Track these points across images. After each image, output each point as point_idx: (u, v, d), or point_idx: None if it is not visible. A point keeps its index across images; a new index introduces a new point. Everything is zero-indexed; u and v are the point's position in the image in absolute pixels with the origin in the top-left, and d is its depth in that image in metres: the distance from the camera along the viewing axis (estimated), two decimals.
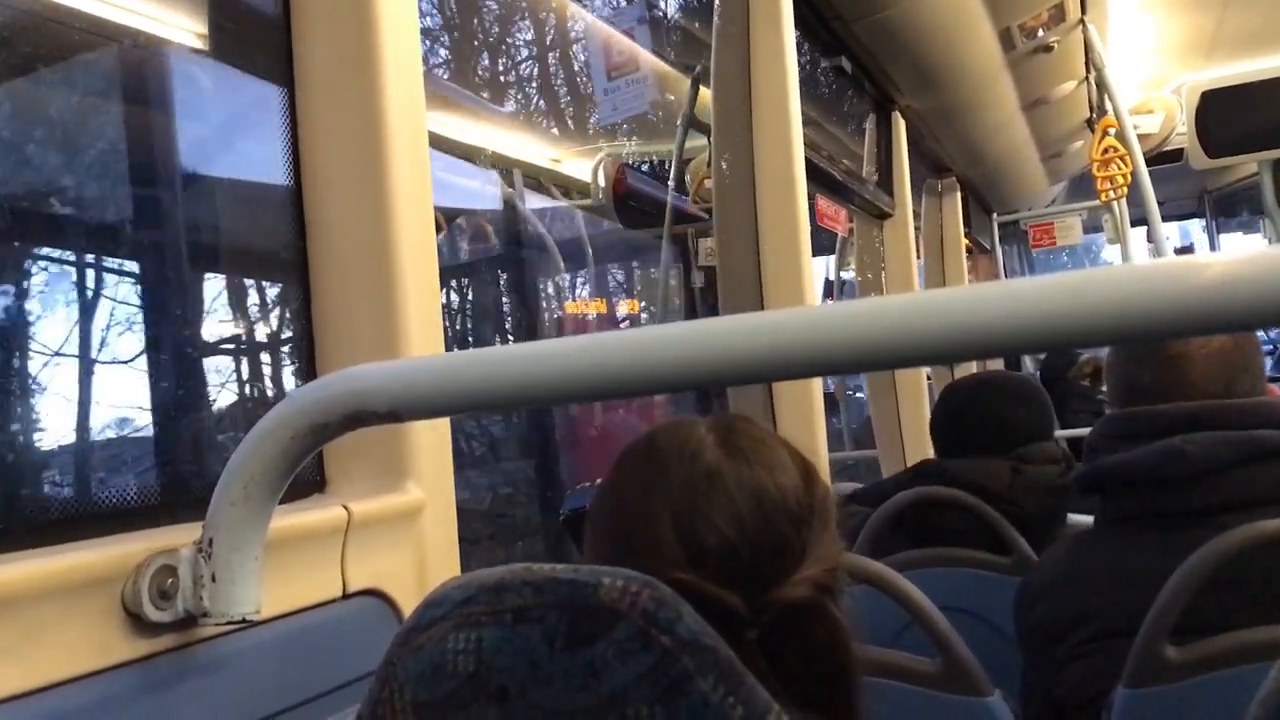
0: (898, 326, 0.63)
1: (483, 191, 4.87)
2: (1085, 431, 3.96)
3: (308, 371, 1.12)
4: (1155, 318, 0.59)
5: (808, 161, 2.55)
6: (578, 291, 6.20)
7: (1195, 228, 7.79)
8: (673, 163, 4.17)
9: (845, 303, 0.67)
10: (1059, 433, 4.13)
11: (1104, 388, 4.95)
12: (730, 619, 0.76)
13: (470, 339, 5.89)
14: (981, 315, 0.62)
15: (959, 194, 5.20)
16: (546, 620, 0.63)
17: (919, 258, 4.58)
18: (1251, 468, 1.30)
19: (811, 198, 3.64)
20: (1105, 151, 4.43)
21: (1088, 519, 2.45)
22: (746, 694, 0.61)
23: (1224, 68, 5.11)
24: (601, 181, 5.13)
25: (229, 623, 0.82)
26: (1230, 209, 7.26)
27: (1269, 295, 0.56)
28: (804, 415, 2.32)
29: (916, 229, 4.50)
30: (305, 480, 1.10)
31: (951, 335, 0.63)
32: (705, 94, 3.11)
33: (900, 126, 3.89)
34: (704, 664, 0.61)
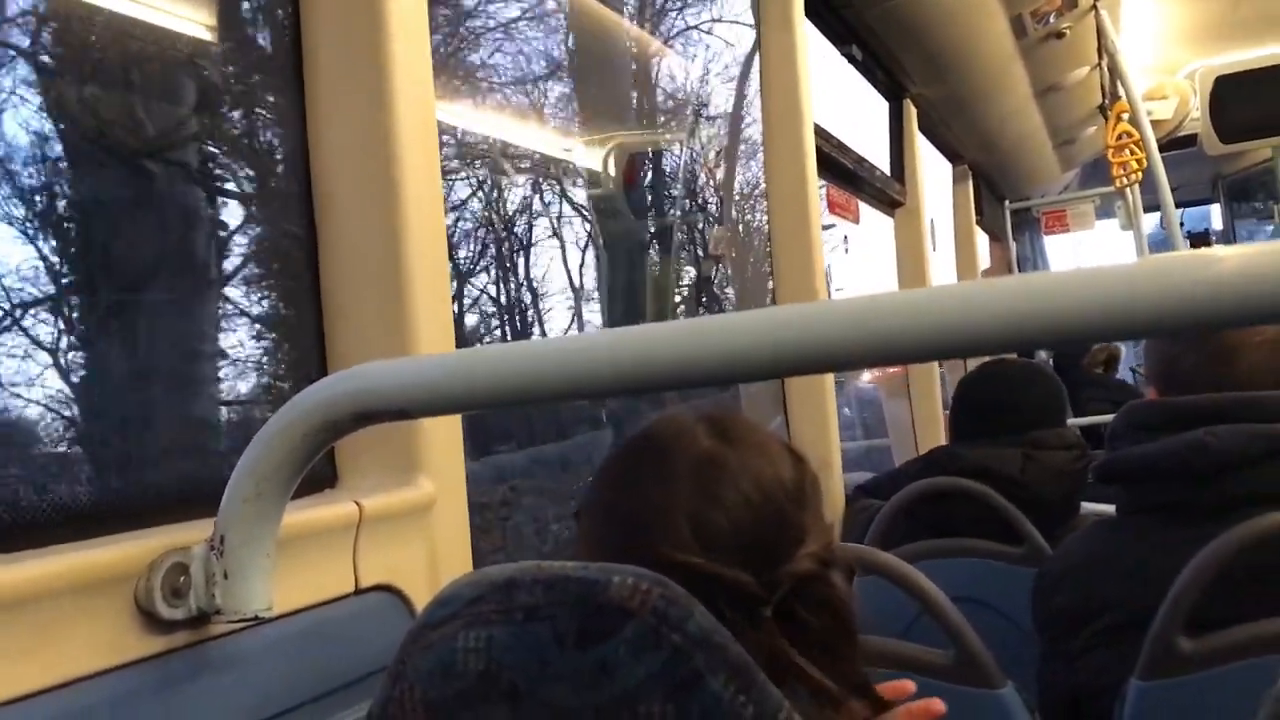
0: (910, 321, 0.63)
1: None
2: (1099, 419, 3.96)
3: (318, 369, 1.12)
4: (1171, 311, 0.58)
5: (818, 151, 2.54)
6: None
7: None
8: (683, 152, 4.15)
9: (856, 298, 0.66)
10: (1072, 421, 4.13)
11: (1117, 376, 4.93)
12: (745, 599, 0.79)
13: None
14: (993, 310, 0.62)
15: (970, 182, 5.18)
16: (557, 618, 0.63)
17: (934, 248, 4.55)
18: (1272, 461, 1.28)
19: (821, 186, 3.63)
20: (1119, 137, 4.39)
21: (1103, 508, 2.45)
22: (758, 692, 0.61)
23: (1238, 53, 5.07)
24: (612, 171, 5.11)
25: (241, 620, 0.82)
26: (1244, 194, 7.21)
27: None
28: (817, 411, 2.33)
29: None
30: (317, 476, 1.11)
31: (964, 330, 0.62)
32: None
33: (912, 114, 3.87)
34: (715, 662, 0.61)
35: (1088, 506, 2.31)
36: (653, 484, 0.84)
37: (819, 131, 2.63)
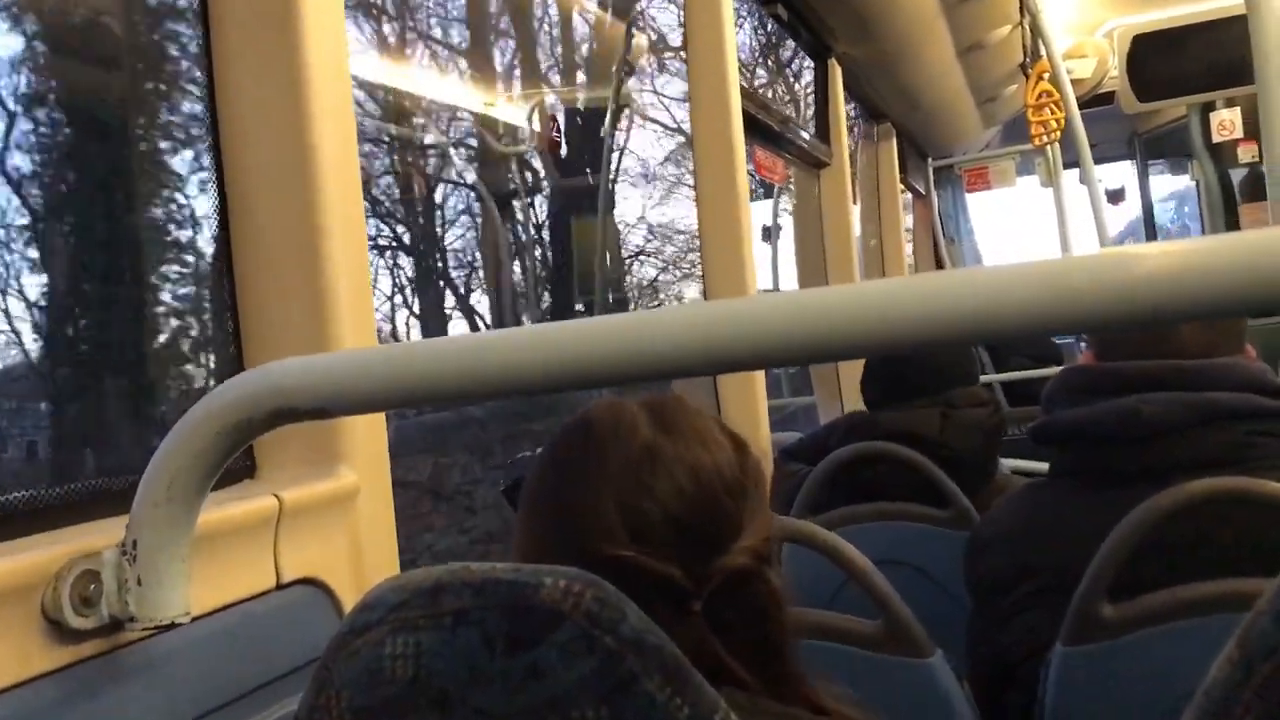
0: (834, 319, 0.62)
1: None
2: (1020, 375, 4.03)
3: (235, 364, 1.08)
4: (1093, 310, 0.58)
5: (744, 112, 2.53)
6: None
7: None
8: (609, 110, 4.12)
9: (787, 293, 0.65)
10: (995, 377, 4.20)
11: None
12: (674, 592, 0.77)
13: None
14: (920, 308, 0.61)
15: (894, 140, 5.20)
16: (486, 623, 0.62)
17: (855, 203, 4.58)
18: (1204, 430, 1.30)
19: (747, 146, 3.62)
20: (1039, 96, 4.44)
21: (1021, 463, 2.51)
22: (693, 693, 0.60)
23: (1155, 11, 5.14)
24: (536, 127, 5.05)
25: (157, 628, 0.80)
26: (1159, 150, 7.35)
27: (1204, 289, 0.56)
28: (747, 400, 2.35)
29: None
30: (234, 467, 1.07)
31: (893, 326, 0.62)
32: (641, 39, 3.07)
33: (837, 74, 3.87)
34: (649, 664, 0.60)
35: (1006, 463, 2.36)
36: (587, 474, 0.82)
37: (744, 92, 2.62)
